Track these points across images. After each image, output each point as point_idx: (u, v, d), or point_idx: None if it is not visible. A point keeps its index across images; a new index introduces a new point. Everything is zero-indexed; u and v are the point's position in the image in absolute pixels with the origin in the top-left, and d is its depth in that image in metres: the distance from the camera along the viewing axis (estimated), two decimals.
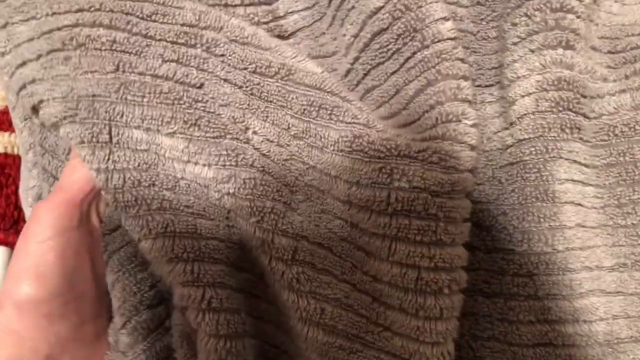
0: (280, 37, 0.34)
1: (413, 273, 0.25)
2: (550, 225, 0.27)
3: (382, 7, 0.29)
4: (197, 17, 0.28)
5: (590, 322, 0.27)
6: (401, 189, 0.26)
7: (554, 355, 0.27)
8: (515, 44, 0.30)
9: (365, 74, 0.30)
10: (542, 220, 0.27)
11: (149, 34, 0.27)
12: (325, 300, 0.26)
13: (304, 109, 0.27)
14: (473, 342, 0.28)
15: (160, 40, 0.27)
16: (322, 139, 0.27)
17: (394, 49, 0.29)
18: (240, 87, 0.27)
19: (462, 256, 0.26)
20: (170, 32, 0.27)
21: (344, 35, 0.31)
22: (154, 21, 0.27)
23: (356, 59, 0.31)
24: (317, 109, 0.27)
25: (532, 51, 0.30)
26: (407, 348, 0.25)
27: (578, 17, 0.30)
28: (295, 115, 0.27)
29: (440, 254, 0.25)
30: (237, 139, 0.26)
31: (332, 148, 0.27)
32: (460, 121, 0.27)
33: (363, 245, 0.26)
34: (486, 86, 0.32)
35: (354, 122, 0.27)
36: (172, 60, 0.26)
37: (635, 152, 0.29)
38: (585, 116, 0.29)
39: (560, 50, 0.29)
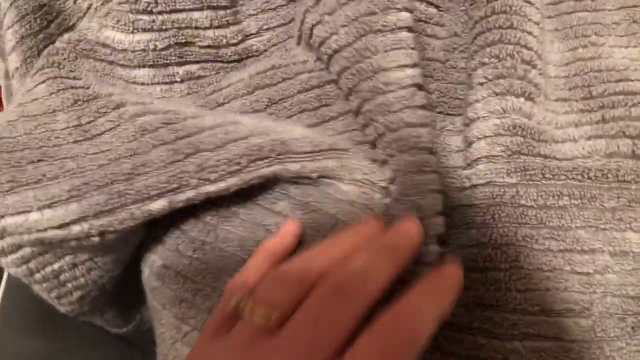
0: (249, 57, 0.35)
1: None
2: (485, 266, 0.28)
3: None
4: None
5: None
6: None
7: None
8: (481, 84, 0.30)
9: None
10: (479, 260, 0.28)
11: None
12: None
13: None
14: None
15: None
16: None
17: None
18: None
19: None
20: None
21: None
22: None
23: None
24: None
25: (496, 94, 0.30)
26: None
27: (540, 74, 0.31)
28: None
29: None
30: None
31: None
32: None
33: None
34: (447, 114, 0.32)
35: None
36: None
37: (604, 200, 0.28)
38: (545, 157, 0.29)
39: (522, 99, 0.30)
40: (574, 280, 0.27)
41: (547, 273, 0.27)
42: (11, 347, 0.41)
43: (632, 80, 0.31)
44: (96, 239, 0.27)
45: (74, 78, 0.32)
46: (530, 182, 0.28)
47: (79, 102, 0.31)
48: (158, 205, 0.27)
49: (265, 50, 0.35)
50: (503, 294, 0.27)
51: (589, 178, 0.28)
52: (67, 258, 0.30)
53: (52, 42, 0.34)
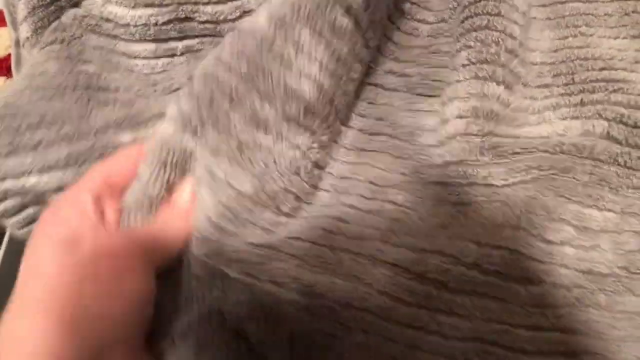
0: None
1: None
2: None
3: None
4: None
5: None
6: None
7: None
8: (464, 66, 0.31)
9: None
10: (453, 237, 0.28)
11: None
12: None
13: None
14: None
15: None
16: None
17: None
18: None
19: None
20: None
21: None
22: None
23: None
24: None
25: (478, 78, 0.31)
26: None
27: (520, 63, 0.32)
28: None
29: None
30: None
31: None
32: None
33: None
34: (427, 96, 0.33)
35: None
36: None
37: (577, 173, 0.29)
38: (518, 137, 0.30)
39: (502, 87, 0.31)
40: (536, 247, 0.28)
41: (510, 231, 0.28)
42: None
43: (615, 69, 0.32)
44: None
45: (85, 62, 0.34)
46: (500, 162, 0.29)
47: (91, 89, 0.32)
48: None
49: None
50: (461, 248, 0.27)
51: (562, 152, 0.29)
52: None
53: (62, 14, 0.36)
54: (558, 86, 0.32)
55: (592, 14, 0.35)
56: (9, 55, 0.39)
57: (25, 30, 0.37)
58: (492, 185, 0.29)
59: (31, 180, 0.28)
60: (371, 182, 0.31)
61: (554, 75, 0.33)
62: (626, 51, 0.33)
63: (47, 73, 0.33)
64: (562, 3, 0.35)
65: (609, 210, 0.28)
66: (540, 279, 0.27)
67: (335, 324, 0.26)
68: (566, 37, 0.34)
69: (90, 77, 0.33)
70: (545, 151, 0.29)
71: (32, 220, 0.31)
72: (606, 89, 0.31)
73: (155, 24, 0.34)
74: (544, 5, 0.36)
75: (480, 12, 0.32)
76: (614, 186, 0.29)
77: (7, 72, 0.40)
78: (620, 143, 0.29)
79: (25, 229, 0.31)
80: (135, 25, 0.34)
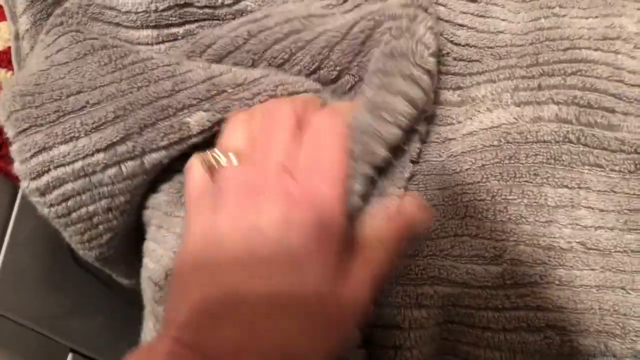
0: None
1: None
2: None
3: None
4: None
5: None
6: None
7: None
8: None
9: None
10: None
11: None
12: None
13: None
14: None
15: None
16: None
17: None
18: None
19: None
20: None
21: None
22: None
23: None
24: None
25: None
26: None
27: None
28: None
29: None
30: None
31: None
32: None
33: None
34: None
35: None
36: None
37: (521, 157, 0.30)
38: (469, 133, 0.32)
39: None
40: (485, 227, 0.29)
41: (457, 221, 0.30)
42: None
43: (580, 49, 0.33)
44: (137, 162, 0.30)
45: (91, 37, 0.34)
46: (452, 158, 0.32)
47: (108, 47, 0.33)
48: (197, 117, 0.30)
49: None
50: (418, 245, 0.29)
51: (507, 142, 0.31)
52: (103, 202, 0.31)
53: (60, 5, 0.37)
54: (521, 67, 0.33)
55: None
56: (9, 48, 0.40)
57: (24, 23, 0.38)
58: (445, 174, 0.31)
59: (81, 143, 0.29)
60: None
61: (521, 57, 0.34)
62: (595, 29, 0.34)
63: (63, 48, 0.33)
64: None
65: (563, 186, 0.30)
66: (498, 258, 0.29)
67: None
68: (539, 19, 0.35)
69: (102, 41, 0.34)
70: (491, 145, 0.31)
71: (68, 197, 0.30)
72: (564, 72, 0.32)
73: (156, 10, 0.36)
74: None
75: None
76: (567, 163, 0.30)
77: (7, 64, 0.41)
78: (570, 122, 0.30)
79: (61, 206, 0.30)
80: (137, 12, 0.36)
